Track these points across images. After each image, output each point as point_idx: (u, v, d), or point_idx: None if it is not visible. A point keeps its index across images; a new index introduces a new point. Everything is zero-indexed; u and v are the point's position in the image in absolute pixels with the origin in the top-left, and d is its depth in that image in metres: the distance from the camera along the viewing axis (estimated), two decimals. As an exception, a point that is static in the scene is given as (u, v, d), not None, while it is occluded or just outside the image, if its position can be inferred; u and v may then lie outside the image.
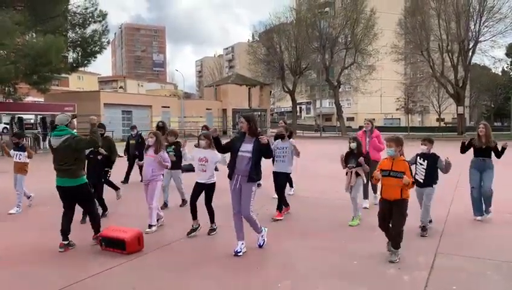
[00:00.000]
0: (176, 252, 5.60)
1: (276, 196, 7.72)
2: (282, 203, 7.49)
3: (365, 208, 7.93)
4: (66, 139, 5.51)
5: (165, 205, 8.16)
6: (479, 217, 7.20)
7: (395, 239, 5.11)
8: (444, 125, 62.21)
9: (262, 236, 5.75)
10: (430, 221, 6.50)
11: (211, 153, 6.09)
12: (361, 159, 6.79)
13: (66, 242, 5.59)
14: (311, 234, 6.36)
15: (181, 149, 7.16)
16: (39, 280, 4.60)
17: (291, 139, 7.68)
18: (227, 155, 5.69)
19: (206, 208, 6.23)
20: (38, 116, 27.55)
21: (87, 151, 6.62)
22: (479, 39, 42.51)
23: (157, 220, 6.69)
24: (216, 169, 6.31)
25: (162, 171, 6.79)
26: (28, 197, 8.47)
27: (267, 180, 7.90)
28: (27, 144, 8.39)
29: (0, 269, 4.89)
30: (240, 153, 5.39)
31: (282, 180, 7.56)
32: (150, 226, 6.48)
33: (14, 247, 5.71)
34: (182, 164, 8.25)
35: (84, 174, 5.77)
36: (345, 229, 6.66)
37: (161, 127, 10.64)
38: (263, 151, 5.36)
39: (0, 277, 4.67)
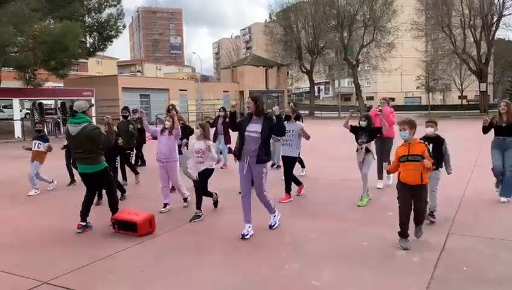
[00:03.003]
0: (186, 234, 5.66)
1: (302, 173, 8.23)
2: (290, 186, 7.42)
3: (378, 188, 7.89)
4: (84, 127, 5.54)
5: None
6: (497, 190, 7.17)
7: (418, 216, 5.06)
8: (467, 103, 60.74)
9: (274, 217, 5.78)
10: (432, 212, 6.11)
11: (206, 145, 6.31)
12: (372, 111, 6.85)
13: (83, 223, 5.74)
14: (321, 216, 6.35)
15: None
16: (52, 261, 4.71)
17: (298, 122, 7.61)
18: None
19: (202, 194, 6.36)
20: (58, 102, 27.96)
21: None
22: (503, 13, 41.00)
23: (165, 206, 6.83)
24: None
25: (176, 152, 7.00)
26: (51, 182, 8.69)
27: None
28: (48, 139, 8.66)
29: (15, 252, 5.04)
30: (246, 134, 5.40)
31: (289, 164, 7.46)
32: (185, 200, 7.00)
33: (28, 230, 5.86)
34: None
35: (103, 160, 5.83)
36: (355, 210, 6.61)
37: (170, 110, 10.68)
38: (275, 127, 5.37)
39: (15, 260, 4.81)
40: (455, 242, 5.03)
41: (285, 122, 7.40)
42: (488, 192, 7.35)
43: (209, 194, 6.61)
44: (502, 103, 7.17)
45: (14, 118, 25.30)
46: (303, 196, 7.58)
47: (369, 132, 6.97)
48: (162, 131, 6.97)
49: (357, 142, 7.06)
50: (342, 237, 5.32)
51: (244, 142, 5.42)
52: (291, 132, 7.34)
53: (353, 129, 7.15)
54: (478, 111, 43.26)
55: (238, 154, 5.53)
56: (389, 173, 5.63)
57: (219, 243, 5.22)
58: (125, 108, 9.68)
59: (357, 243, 5.06)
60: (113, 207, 5.92)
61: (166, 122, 6.96)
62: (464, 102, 59.18)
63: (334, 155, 11.87)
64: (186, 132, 8.07)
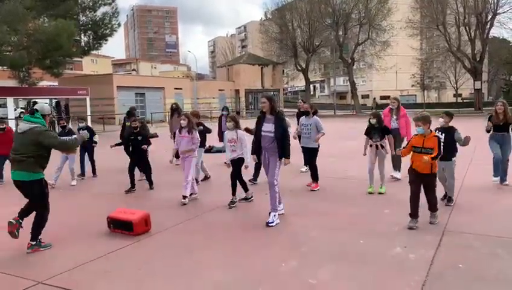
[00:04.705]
0: (183, 232, 5.64)
1: (303, 169, 8.70)
2: (315, 175, 7.95)
3: (391, 176, 8.35)
4: (35, 128, 4.88)
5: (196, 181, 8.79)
6: (496, 179, 7.56)
7: (431, 206, 5.57)
8: (461, 101, 60.96)
9: (274, 215, 5.80)
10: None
11: (239, 134, 6.74)
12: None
13: (17, 219, 4.99)
14: (319, 214, 6.35)
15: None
16: (47, 261, 4.69)
17: (315, 117, 8.10)
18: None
19: (238, 180, 6.77)
20: (53, 100, 27.84)
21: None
22: (498, 11, 41.21)
23: (191, 194, 7.21)
24: None
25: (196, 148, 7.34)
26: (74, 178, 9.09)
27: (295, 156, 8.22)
28: (74, 132, 8.78)
29: (9, 252, 5.00)
30: (262, 133, 5.89)
31: (311, 154, 8.06)
32: (184, 197, 7.02)
33: (23, 230, 5.80)
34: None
35: (41, 171, 4.98)
36: (352, 208, 6.62)
37: (175, 109, 10.72)
38: (281, 130, 5.76)
39: (9, 260, 4.79)
40: (451, 239, 5.04)
41: (304, 117, 8.20)
42: (484, 188, 7.41)
43: (246, 187, 6.94)
44: (498, 103, 7.61)
45: (8, 117, 25.12)
46: (303, 194, 7.59)
47: (381, 130, 7.43)
48: (180, 130, 7.21)
49: (371, 140, 7.49)
50: (339, 235, 5.32)
51: (261, 140, 5.92)
52: (309, 125, 8.00)
53: (367, 131, 7.58)
54: (473, 109, 43.44)
55: (256, 151, 6.03)
56: (401, 156, 6.08)
57: (216, 241, 5.21)
58: (131, 114, 9.52)
59: (354, 241, 5.06)
60: (36, 230, 4.95)
61: (182, 121, 7.20)
62: (459, 100, 59.39)
63: (332, 153, 11.86)
64: (204, 133, 8.41)
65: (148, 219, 5.61)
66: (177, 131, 7.41)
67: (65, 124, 9.16)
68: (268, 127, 5.81)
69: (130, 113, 9.82)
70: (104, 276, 4.28)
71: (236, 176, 6.76)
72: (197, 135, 7.24)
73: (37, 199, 5.02)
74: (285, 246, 5.00)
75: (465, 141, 6.28)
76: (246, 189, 6.99)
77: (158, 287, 4.00)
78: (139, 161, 8.31)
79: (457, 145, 6.45)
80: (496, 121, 7.45)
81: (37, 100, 27.26)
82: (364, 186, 7.73)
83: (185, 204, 6.94)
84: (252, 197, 7.04)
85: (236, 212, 6.52)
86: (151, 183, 8.39)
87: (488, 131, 7.67)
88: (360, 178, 8.47)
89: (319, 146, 8.11)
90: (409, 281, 3.94)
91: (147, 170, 8.41)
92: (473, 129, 7.66)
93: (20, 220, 5.00)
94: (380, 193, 7.37)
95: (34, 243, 4.97)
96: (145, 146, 8.17)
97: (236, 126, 6.76)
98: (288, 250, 4.87)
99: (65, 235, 5.54)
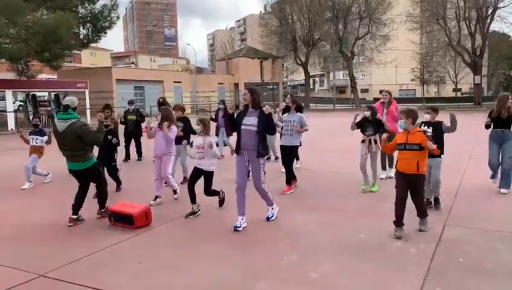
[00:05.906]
0: (183, 226, 5.64)
1: (284, 169, 7.68)
2: (291, 177, 7.44)
3: (381, 178, 7.97)
4: (73, 124, 5.45)
5: (185, 180, 8.11)
6: (494, 181, 7.19)
7: (420, 211, 5.15)
8: (461, 95, 60.97)
9: (272, 209, 5.75)
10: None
11: (207, 140, 5.93)
12: (381, 118, 7.10)
13: (75, 217, 5.68)
14: (318, 208, 6.34)
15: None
16: (48, 254, 4.68)
17: (298, 113, 7.56)
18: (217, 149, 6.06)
19: (207, 194, 6.10)
20: (52, 94, 27.74)
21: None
22: (498, 5, 41.09)
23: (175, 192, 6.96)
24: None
25: (173, 146, 6.89)
26: (46, 175, 8.64)
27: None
28: (49, 131, 8.41)
29: (11, 246, 5.01)
30: (243, 127, 5.33)
31: (290, 153, 7.54)
32: (175, 192, 6.93)
33: (25, 223, 5.82)
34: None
35: (92, 156, 5.83)
36: (352, 202, 6.62)
37: (161, 103, 10.65)
38: (265, 125, 5.26)
39: (11, 253, 4.77)
40: (452, 234, 5.05)
41: (286, 114, 7.55)
42: (484, 183, 7.38)
43: (215, 193, 6.28)
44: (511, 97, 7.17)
45: (7, 110, 25.05)
46: (301, 189, 7.57)
47: (375, 124, 7.05)
48: (159, 126, 6.79)
49: (364, 134, 7.12)
50: (339, 229, 5.32)
51: (241, 136, 5.36)
52: (292, 122, 7.40)
53: (359, 123, 7.16)
54: (472, 104, 43.46)
55: (236, 147, 5.46)
56: (384, 150, 5.70)
57: (216, 236, 5.21)
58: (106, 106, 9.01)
59: (355, 235, 5.07)
60: (102, 201, 5.99)
61: (158, 116, 6.88)
62: (459, 94, 59.33)
63: (330, 147, 11.88)
64: (188, 130, 7.72)
65: (148, 213, 5.60)
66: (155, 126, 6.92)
67: (38, 123, 8.93)
68: (250, 121, 5.27)
69: (105, 106, 9.30)
70: (104, 269, 4.28)
71: (207, 190, 6.06)
72: (173, 128, 6.70)
73: (95, 179, 5.91)
74: (285, 241, 4.99)
75: (452, 121, 5.73)
76: (216, 194, 6.29)
77: (158, 281, 4.00)
78: (105, 156, 7.49)
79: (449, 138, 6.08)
80: (497, 114, 6.97)
81: (35, 93, 27.21)
82: (362, 181, 7.72)
83: (176, 199, 6.85)
84: (198, 211, 6.07)
85: (236, 207, 6.50)
86: (118, 183, 7.76)
87: (487, 127, 7.15)
88: (359, 173, 8.45)
89: (300, 144, 7.68)
90: (410, 275, 3.95)
91: (110, 169, 7.64)
92: (473, 124, 7.60)
93: (75, 216, 5.70)
94: (371, 192, 7.11)
95: (103, 210, 5.92)
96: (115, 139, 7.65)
97: (205, 131, 6.00)
98: (288, 244, 4.87)
99: (65, 228, 5.54)
